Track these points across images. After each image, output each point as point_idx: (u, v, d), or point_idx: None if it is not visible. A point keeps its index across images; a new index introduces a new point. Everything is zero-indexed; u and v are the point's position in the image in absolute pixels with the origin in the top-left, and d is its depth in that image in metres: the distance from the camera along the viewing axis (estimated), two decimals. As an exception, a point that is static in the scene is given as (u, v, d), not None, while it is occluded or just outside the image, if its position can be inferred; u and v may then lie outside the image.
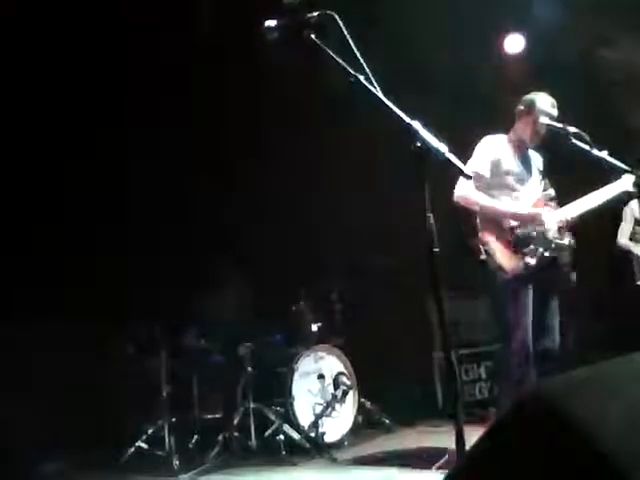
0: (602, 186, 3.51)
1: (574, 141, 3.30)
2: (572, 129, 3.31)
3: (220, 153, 5.47)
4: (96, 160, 5.10)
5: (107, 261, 5.06)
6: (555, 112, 3.58)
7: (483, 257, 3.43)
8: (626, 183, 3.44)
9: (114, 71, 4.91)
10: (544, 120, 3.49)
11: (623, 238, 5.23)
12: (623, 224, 5.26)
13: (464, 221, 3.58)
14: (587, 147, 3.27)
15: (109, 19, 4.66)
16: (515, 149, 3.66)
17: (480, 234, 3.49)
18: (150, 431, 4.55)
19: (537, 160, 3.80)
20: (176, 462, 4.33)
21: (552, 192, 3.65)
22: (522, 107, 3.65)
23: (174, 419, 4.64)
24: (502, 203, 3.51)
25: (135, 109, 5.06)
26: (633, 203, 5.10)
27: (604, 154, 3.31)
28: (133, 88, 5.02)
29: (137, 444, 4.50)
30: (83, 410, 4.68)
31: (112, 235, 5.15)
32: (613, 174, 3.38)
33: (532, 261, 3.39)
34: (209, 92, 5.32)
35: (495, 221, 3.49)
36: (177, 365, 4.85)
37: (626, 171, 3.37)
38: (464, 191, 3.46)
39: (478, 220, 3.54)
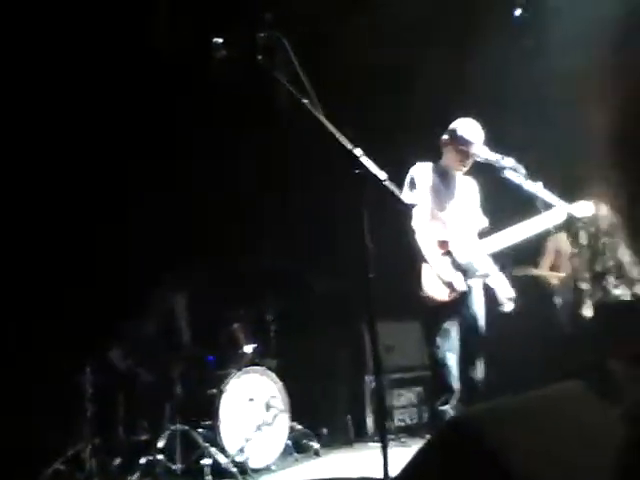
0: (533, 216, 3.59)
1: (507, 174, 3.37)
2: (508, 161, 3.39)
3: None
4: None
5: (33, 270, 4.87)
6: (480, 138, 3.60)
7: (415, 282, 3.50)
8: (556, 216, 3.53)
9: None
10: (479, 152, 3.55)
11: (544, 267, 5.33)
12: (545, 255, 5.33)
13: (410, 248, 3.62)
14: (520, 181, 3.36)
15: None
16: (441, 177, 3.69)
17: (417, 262, 3.55)
18: (70, 452, 4.37)
19: (469, 187, 3.83)
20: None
21: (485, 222, 3.74)
22: (445, 136, 3.70)
23: (97, 440, 4.47)
24: (430, 252, 3.54)
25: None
26: (557, 236, 5.21)
27: (539, 187, 3.40)
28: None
29: (55, 466, 4.30)
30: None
31: (42, 245, 4.96)
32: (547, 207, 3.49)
33: (459, 289, 3.49)
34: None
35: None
36: (102, 384, 4.68)
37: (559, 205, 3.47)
38: (414, 224, 3.53)
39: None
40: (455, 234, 3.64)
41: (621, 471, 1.51)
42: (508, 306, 3.64)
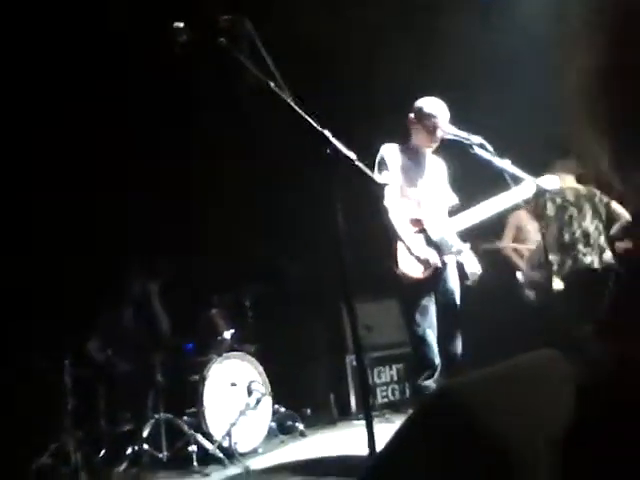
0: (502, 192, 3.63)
1: (476, 150, 3.40)
2: (475, 139, 3.41)
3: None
4: None
5: (7, 263, 4.80)
6: (445, 114, 3.63)
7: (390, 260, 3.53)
8: (525, 190, 3.58)
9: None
10: (447, 129, 3.57)
11: (505, 242, 5.42)
12: (506, 230, 5.42)
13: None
14: (489, 157, 3.38)
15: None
16: (410, 156, 3.72)
17: (391, 241, 3.57)
18: (54, 447, 4.35)
19: (437, 166, 3.86)
20: (83, 478, 4.16)
21: (455, 199, 3.78)
22: (412, 115, 3.72)
23: (80, 433, 4.45)
24: (403, 229, 3.57)
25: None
26: (518, 212, 5.28)
27: (507, 163, 3.43)
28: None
29: (41, 461, 4.29)
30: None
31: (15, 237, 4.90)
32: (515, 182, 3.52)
33: (434, 264, 3.53)
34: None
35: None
36: (82, 377, 4.65)
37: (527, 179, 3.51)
38: (387, 203, 3.54)
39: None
40: (427, 212, 3.67)
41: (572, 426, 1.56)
42: (473, 281, 3.69)
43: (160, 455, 4.39)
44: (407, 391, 6.09)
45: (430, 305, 3.58)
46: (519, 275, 5.30)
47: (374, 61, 5.28)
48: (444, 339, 3.61)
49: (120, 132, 5.13)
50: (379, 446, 1.92)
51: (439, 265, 3.56)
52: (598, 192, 4.73)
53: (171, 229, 5.40)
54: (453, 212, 3.77)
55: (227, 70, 2.20)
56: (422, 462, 1.43)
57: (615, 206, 4.80)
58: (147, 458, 4.36)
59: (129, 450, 4.34)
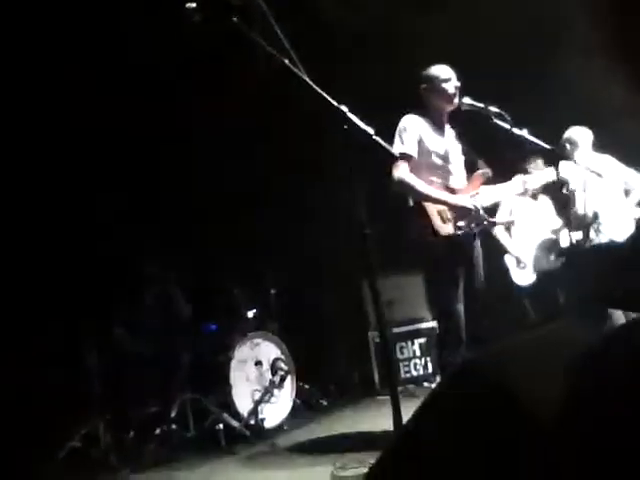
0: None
1: (495, 120, 3.36)
2: (493, 108, 3.38)
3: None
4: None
5: (30, 259, 4.87)
6: (454, 75, 3.60)
7: (419, 221, 3.41)
8: (550, 174, 3.55)
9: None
10: (466, 100, 3.53)
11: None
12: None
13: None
14: (508, 126, 3.35)
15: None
16: (435, 127, 3.65)
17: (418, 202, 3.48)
18: (85, 430, 4.43)
19: (454, 136, 3.80)
20: (113, 460, 4.24)
21: (489, 171, 3.70)
22: (424, 85, 3.65)
23: (109, 416, 4.53)
24: (434, 190, 3.48)
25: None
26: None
27: (524, 133, 3.40)
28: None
29: (71, 444, 4.37)
30: (13, 411, 4.51)
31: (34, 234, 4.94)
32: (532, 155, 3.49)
33: (464, 229, 3.46)
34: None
35: None
36: (109, 360, 4.72)
37: (547, 150, 3.48)
38: (400, 175, 3.44)
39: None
40: (458, 180, 3.62)
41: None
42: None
43: (188, 435, 4.47)
44: (429, 366, 6.09)
45: (460, 279, 3.49)
46: (507, 258, 5.26)
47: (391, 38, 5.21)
48: (471, 313, 3.53)
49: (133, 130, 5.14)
50: (404, 420, 1.94)
51: (467, 231, 3.50)
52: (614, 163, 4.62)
53: (195, 212, 5.43)
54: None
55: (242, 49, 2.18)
56: (449, 432, 1.44)
57: (632, 176, 4.68)
58: (175, 438, 4.43)
59: (157, 431, 4.41)
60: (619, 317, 4.37)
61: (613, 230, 4.56)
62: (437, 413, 1.47)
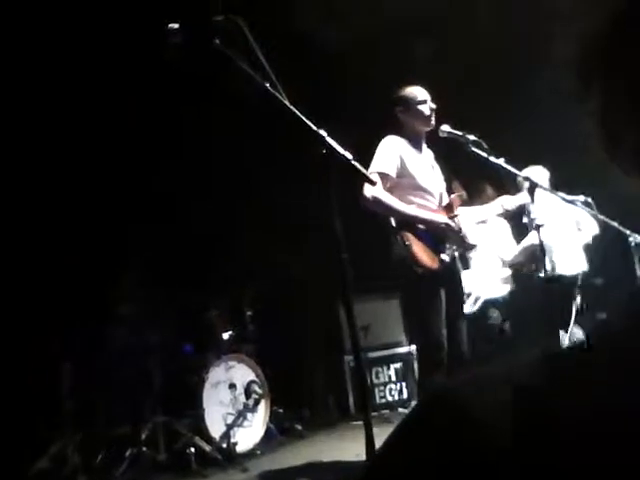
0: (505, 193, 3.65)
1: (472, 148, 3.40)
2: (471, 136, 3.42)
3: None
4: None
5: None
6: (428, 96, 3.62)
7: (400, 252, 3.39)
8: (522, 199, 3.60)
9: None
10: (445, 128, 3.55)
11: None
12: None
13: (382, 218, 3.53)
14: (485, 154, 3.39)
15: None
16: (414, 148, 3.65)
17: (398, 230, 3.45)
18: (53, 450, 4.33)
19: (433, 157, 3.80)
20: (82, 480, 4.15)
21: (464, 194, 3.72)
22: (400, 107, 3.65)
23: (79, 436, 4.44)
24: (413, 209, 3.47)
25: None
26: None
27: (502, 161, 3.44)
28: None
29: (40, 464, 4.27)
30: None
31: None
32: (509, 182, 3.55)
33: (447, 258, 3.46)
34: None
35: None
36: (80, 380, 4.65)
37: (524, 178, 3.53)
38: (373, 193, 3.39)
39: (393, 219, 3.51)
40: (437, 202, 3.62)
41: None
42: None
43: (158, 458, 4.39)
44: (405, 391, 6.09)
45: (443, 303, 3.44)
46: None
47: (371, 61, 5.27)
48: (453, 336, 3.49)
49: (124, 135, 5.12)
50: (377, 447, 1.92)
51: (449, 259, 3.48)
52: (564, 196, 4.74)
53: (170, 230, 5.39)
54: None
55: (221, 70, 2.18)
56: (416, 465, 1.44)
57: (584, 214, 4.85)
58: (145, 460, 4.35)
59: (127, 453, 4.32)
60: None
61: (564, 264, 4.80)
62: (405, 445, 1.47)
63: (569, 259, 4.87)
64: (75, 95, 4.74)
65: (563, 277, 4.80)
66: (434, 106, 3.61)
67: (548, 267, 4.61)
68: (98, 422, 4.67)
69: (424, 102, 3.60)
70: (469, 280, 5.16)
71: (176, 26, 2.13)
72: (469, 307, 5.14)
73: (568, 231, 4.93)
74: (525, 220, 4.98)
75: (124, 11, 4.38)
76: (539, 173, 4.68)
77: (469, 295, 5.17)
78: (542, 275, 4.86)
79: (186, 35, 2.12)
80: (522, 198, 3.71)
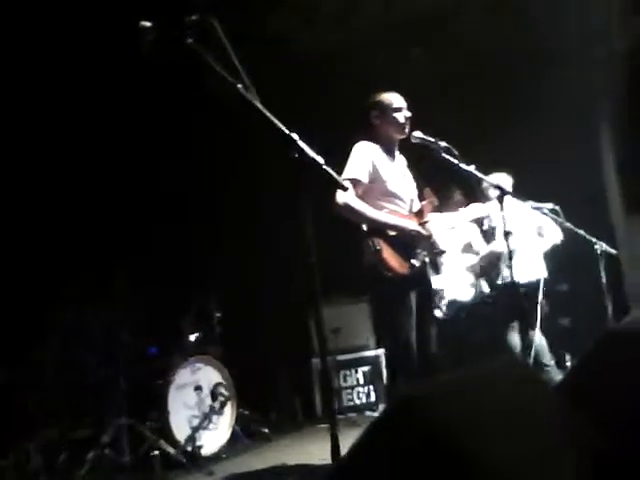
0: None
1: (444, 155, 3.42)
2: (442, 143, 3.43)
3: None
4: None
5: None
6: (404, 103, 3.61)
7: (371, 257, 3.37)
8: (492, 209, 3.62)
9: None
10: (416, 134, 3.55)
11: None
12: None
13: (352, 223, 3.50)
14: (456, 161, 3.41)
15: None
16: (387, 154, 3.64)
17: (369, 235, 3.43)
18: (15, 450, 4.24)
19: (405, 163, 3.80)
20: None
21: (435, 201, 3.73)
22: (374, 112, 3.64)
23: (42, 437, 4.36)
24: (384, 215, 3.46)
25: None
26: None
27: (472, 168, 3.47)
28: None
29: (1, 464, 4.17)
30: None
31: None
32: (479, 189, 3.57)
33: (417, 263, 3.45)
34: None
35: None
36: (43, 381, 4.57)
37: (494, 186, 3.56)
38: (345, 199, 3.38)
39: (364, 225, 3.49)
40: (415, 212, 3.61)
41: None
42: None
43: (122, 460, 4.33)
44: (373, 394, 6.11)
45: (413, 307, 3.43)
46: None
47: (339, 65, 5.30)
48: (423, 340, 3.48)
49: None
50: (343, 451, 1.92)
51: (420, 264, 3.47)
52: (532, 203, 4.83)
53: (140, 232, 5.34)
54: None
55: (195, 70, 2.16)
56: (385, 469, 1.43)
57: (547, 222, 4.98)
58: (108, 463, 4.29)
59: (90, 455, 4.25)
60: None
61: (526, 270, 4.88)
62: (372, 449, 1.46)
63: (530, 265, 4.95)
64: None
65: (524, 283, 4.88)
66: (409, 114, 3.60)
67: (509, 273, 4.72)
68: (62, 423, 4.60)
69: (399, 109, 3.59)
70: (440, 285, 5.20)
71: (149, 24, 2.11)
72: (439, 312, 5.19)
73: (530, 238, 5.02)
74: (486, 227, 5.10)
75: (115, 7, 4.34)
76: (503, 179, 4.74)
77: (440, 299, 5.22)
78: (504, 281, 5.00)
79: (159, 33, 2.11)
80: (492, 207, 3.74)
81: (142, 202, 5.46)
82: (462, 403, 1.52)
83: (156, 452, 4.29)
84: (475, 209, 3.78)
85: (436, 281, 5.07)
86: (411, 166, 3.82)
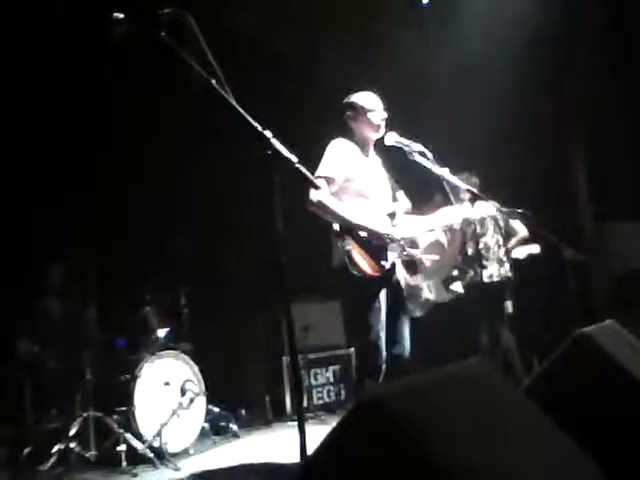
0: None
1: (416, 158, 3.42)
2: (416, 146, 3.43)
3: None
4: None
5: None
6: (380, 105, 3.60)
7: (341, 258, 3.35)
8: (468, 212, 3.64)
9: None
10: (391, 136, 3.53)
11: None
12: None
13: (325, 222, 3.47)
14: (429, 165, 3.41)
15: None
16: (362, 153, 3.62)
17: (340, 235, 3.42)
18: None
19: (379, 163, 3.78)
20: (5, 477, 4.02)
21: (409, 205, 3.73)
22: (349, 112, 3.62)
23: (5, 430, 4.30)
24: (357, 215, 3.44)
25: None
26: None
27: (445, 172, 3.47)
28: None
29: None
30: None
31: None
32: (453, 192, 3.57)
33: (387, 265, 3.45)
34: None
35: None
36: (8, 373, 4.49)
37: (466, 189, 3.56)
38: (318, 197, 3.35)
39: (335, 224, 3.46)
40: (383, 208, 3.58)
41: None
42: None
43: (87, 454, 4.29)
44: (343, 393, 6.12)
45: (383, 307, 3.43)
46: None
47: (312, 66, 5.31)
48: (394, 340, 3.49)
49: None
50: (311, 449, 1.92)
51: (390, 265, 3.46)
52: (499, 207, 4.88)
53: (112, 223, 5.28)
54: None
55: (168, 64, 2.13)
56: (351, 468, 1.44)
57: (514, 222, 5.06)
58: (74, 457, 4.24)
59: (55, 448, 4.20)
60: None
61: (493, 269, 5.03)
62: (338, 448, 1.47)
63: (498, 266, 5.05)
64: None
65: (492, 283, 4.98)
66: (385, 115, 3.59)
67: (478, 273, 4.80)
68: (27, 416, 4.53)
69: (374, 110, 3.57)
70: (412, 284, 5.23)
71: (121, 16, 2.08)
72: (414, 311, 5.22)
73: (498, 240, 5.11)
74: (456, 227, 5.16)
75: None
76: (467, 180, 4.77)
77: (414, 299, 5.25)
78: (474, 281, 5.06)
79: (132, 26, 2.08)
80: (464, 210, 3.72)
81: (119, 193, 5.41)
82: (428, 404, 1.53)
83: (122, 446, 4.26)
84: (448, 214, 3.74)
85: (409, 281, 5.09)
86: (387, 166, 3.81)
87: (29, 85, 4.86)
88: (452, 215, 3.70)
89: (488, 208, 3.67)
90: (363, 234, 3.43)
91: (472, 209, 3.64)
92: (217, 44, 2.10)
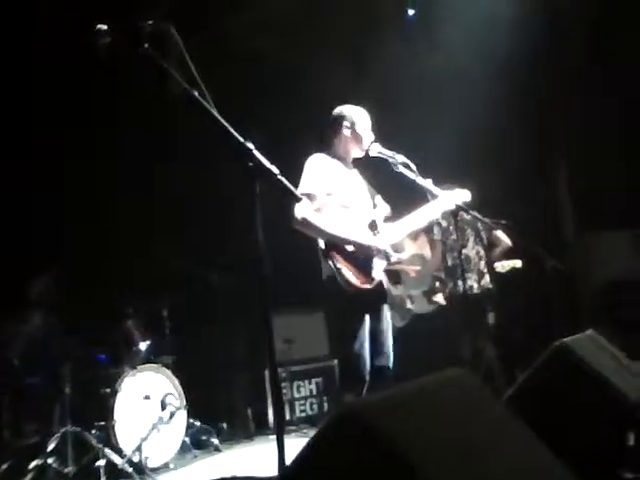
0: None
1: (400, 169, 3.44)
2: (399, 157, 3.45)
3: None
4: None
5: None
6: (367, 120, 3.60)
7: (330, 271, 3.34)
8: (445, 202, 3.63)
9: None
10: (374, 147, 3.56)
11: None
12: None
13: (310, 237, 3.47)
14: (412, 176, 3.43)
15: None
16: (342, 166, 3.61)
17: (326, 249, 3.41)
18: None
19: (357, 173, 3.76)
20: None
21: (388, 209, 3.69)
22: (337, 125, 3.61)
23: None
24: (341, 229, 3.43)
25: None
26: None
27: (429, 183, 3.50)
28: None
29: None
30: None
31: None
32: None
33: (377, 276, 3.44)
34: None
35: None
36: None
37: (449, 200, 3.59)
38: (303, 214, 3.34)
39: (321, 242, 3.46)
40: (365, 220, 3.57)
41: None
42: None
43: (66, 470, 4.22)
44: (325, 405, 6.10)
45: (367, 318, 3.42)
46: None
47: (299, 77, 5.33)
48: (378, 351, 3.48)
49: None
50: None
51: (378, 277, 3.45)
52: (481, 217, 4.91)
53: (82, 232, 5.24)
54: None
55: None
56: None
57: (497, 232, 5.09)
58: (52, 473, 4.18)
59: (33, 464, 4.14)
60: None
61: (473, 281, 5.07)
62: (315, 461, 1.46)
63: (477, 278, 5.09)
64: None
65: (472, 294, 5.01)
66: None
67: (461, 284, 4.82)
68: (4, 431, 4.46)
69: (360, 124, 3.58)
70: (398, 295, 5.25)
71: (104, 27, 2.08)
72: (398, 322, 5.23)
73: (477, 251, 5.14)
74: (437, 237, 5.19)
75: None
76: (462, 194, 4.82)
77: (398, 309, 5.27)
78: (457, 292, 5.08)
79: (115, 37, 2.07)
80: (442, 203, 3.68)
81: (102, 209, 5.38)
82: (406, 416, 1.53)
83: (101, 462, 4.20)
84: (427, 210, 3.72)
85: (392, 290, 5.11)
86: (366, 175, 3.82)
87: (29, 87, 4.83)
88: (431, 210, 3.67)
89: (464, 194, 3.70)
90: (350, 248, 3.44)
91: (448, 200, 3.61)
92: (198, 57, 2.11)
